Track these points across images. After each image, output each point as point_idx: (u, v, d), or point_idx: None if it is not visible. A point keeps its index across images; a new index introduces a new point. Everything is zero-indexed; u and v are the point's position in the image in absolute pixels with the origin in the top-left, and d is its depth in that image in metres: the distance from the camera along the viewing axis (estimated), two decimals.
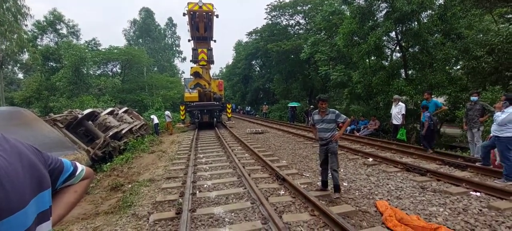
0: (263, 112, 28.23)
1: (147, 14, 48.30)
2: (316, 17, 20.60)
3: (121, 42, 71.50)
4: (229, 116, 18.17)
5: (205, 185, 5.15)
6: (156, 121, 15.05)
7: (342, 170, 5.87)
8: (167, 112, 16.72)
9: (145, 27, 47.56)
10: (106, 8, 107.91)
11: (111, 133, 9.52)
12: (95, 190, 5.66)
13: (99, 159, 8.13)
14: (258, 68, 39.32)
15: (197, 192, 4.78)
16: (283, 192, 4.56)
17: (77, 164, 1.00)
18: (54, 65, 26.97)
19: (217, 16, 15.96)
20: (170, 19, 53.29)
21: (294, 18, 27.86)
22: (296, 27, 28.57)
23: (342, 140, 9.61)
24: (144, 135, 12.99)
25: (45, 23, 28.98)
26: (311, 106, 19.24)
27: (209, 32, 16.49)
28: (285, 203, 4.05)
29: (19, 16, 16.53)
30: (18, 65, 31.89)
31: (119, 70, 30.02)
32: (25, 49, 19.64)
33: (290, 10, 26.61)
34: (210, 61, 16.96)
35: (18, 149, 0.67)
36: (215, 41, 17.35)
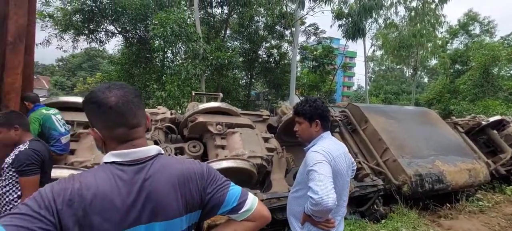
0: None
1: None
2: None
3: None
4: None
5: None
6: None
7: None
8: None
9: None
10: None
11: None
12: (491, 212, 4.80)
13: (500, 177, 6.76)
14: None
15: None
16: None
17: (249, 202, 0.99)
18: (459, 68, 26.80)
19: None
20: None
21: None
22: None
23: None
24: None
25: (457, 27, 29.50)
26: None
27: None
28: None
29: (436, 26, 18.48)
30: (425, 70, 36.15)
31: None
32: (435, 55, 21.66)
33: None
34: None
35: (177, 178, 0.91)
36: None
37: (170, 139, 3.95)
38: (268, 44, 18.54)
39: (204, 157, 3.80)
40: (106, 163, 0.86)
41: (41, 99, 3.23)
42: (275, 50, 18.37)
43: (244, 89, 18.44)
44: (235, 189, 1.00)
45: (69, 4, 12.39)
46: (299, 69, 21.03)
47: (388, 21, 19.94)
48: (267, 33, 17.09)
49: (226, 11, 15.17)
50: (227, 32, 16.33)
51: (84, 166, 2.83)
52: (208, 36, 12.89)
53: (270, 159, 3.78)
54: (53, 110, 3.03)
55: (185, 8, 13.28)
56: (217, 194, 0.96)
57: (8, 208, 2.05)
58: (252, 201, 1.00)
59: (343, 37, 15.46)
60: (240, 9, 14.23)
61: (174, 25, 8.87)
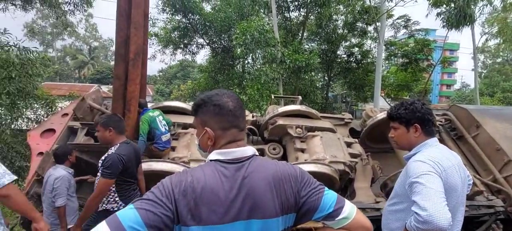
0: None
1: None
2: None
3: None
4: None
5: None
6: None
7: None
8: None
9: None
10: None
11: None
12: None
13: None
14: None
15: None
16: None
17: (347, 209, 0.95)
18: None
19: None
20: None
21: None
22: None
23: None
24: None
25: None
26: None
27: None
28: None
29: None
30: None
31: None
32: None
33: None
34: None
35: (272, 178, 0.92)
36: None
37: (251, 140, 4.15)
38: (348, 43, 17.47)
39: (283, 160, 3.85)
40: (211, 160, 0.95)
41: (148, 104, 3.90)
42: (357, 49, 17.13)
43: (321, 92, 17.87)
44: (330, 194, 0.98)
45: (169, 23, 14.66)
46: (384, 67, 19.04)
47: (507, 2, 15.94)
48: (347, 31, 16.12)
49: (303, 13, 15.06)
50: (304, 34, 16.18)
51: (182, 161, 3.27)
52: (285, 40, 13.07)
53: (354, 166, 3.54)
54: (157, 113, 3.60)
55: (264, 15, 13.84)
56: (311, 198, 0.95)
57: (105, 197, 2.43)
58: (351, 208, 0.96)
59: (443, 27, 13.18)
60: (318, 10, 13.88)
61: (255, 32, 9.34)
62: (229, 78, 14.26)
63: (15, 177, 1.69)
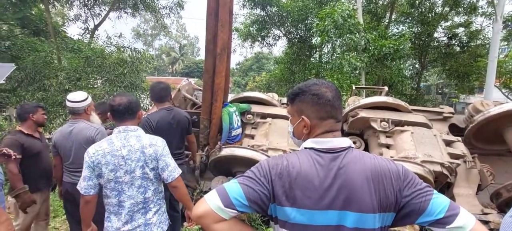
0: None
1: None
2: None
3: None
4: None
5: None
6: None
7: None
8: None
9: None
10: None
11: None
12: None
13: None
14: None
15: None
16: None
17: (462, 218, 0.83)
18: None
19: None
20: None
21: None
22: None
23: None
24: None
25: None
26: None
27: None
28: None
29: None
30: None
31: None
32: None
33: None
34: None
35: (370, 172, 0.88)
36: None
37: None
38: (448, 23, 14.67)
39: None
40: (305, 148, 0.97)
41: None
42: (462, 29, 14.24)
43: (411, 81, 15.64)
44: (442, 199, 0.88)
45: (248, 18, 15.35)
46: (501, 50, 15.21)
47: None
48: (448, 8, 13.54)
49: None
50: (392, 16, 14.38)
51: (261, 149, 3.43)
52: (369, 25, 11.92)
53: (454, 168, 3.02)
54: (234, 108, 3.83)
55: (343, 0, 12.92)
56: (417, 199, 0.87)
57: None
58: (468, 218, 0.84)
59: None
60: None
61: (339, 17, 8.78)
62: (305, 68, 13.99)
63: (181, 171, 1.92)
